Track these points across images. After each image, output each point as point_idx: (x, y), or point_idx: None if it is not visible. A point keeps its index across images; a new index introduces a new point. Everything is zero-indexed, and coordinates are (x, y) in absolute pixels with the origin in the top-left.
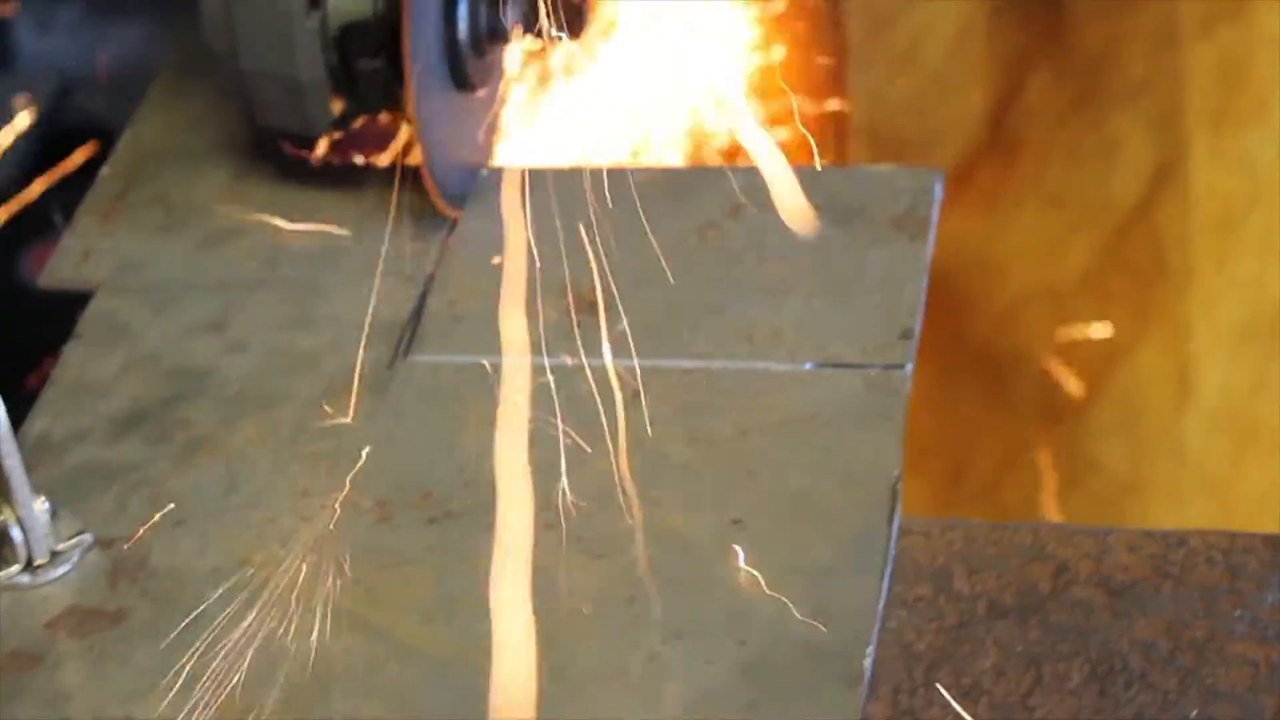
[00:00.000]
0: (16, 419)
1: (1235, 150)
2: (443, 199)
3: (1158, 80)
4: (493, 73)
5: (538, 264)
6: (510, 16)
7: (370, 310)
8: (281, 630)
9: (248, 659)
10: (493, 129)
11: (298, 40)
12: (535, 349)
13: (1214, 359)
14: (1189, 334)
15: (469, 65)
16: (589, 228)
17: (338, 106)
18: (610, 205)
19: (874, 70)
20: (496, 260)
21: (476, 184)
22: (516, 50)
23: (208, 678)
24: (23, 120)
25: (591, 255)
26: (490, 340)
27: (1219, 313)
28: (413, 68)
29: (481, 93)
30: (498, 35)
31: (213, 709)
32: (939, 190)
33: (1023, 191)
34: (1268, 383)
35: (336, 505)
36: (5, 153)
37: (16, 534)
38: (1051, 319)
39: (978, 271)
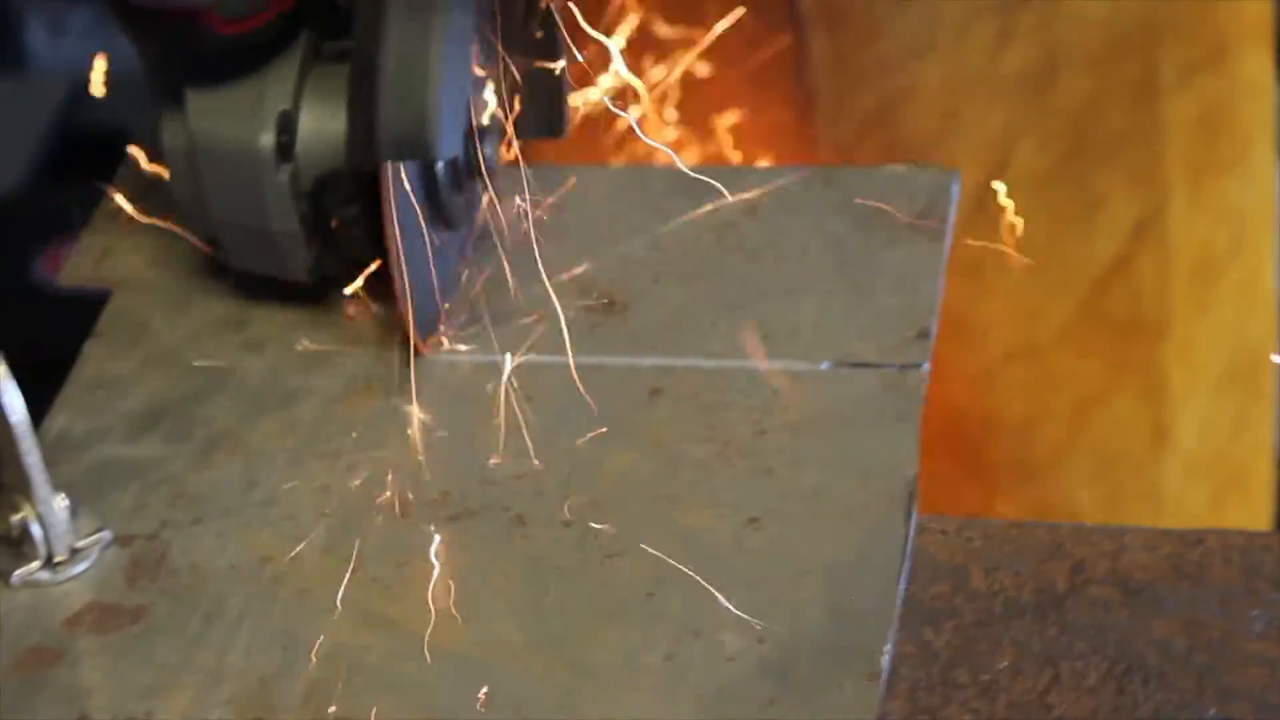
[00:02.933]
0: (36, 416)
1: (1216, 198)
2: (422, 336)
3: (1138, 132)
4: (471, 206)
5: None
6: (488, 147)
7: (389, 307)
8: (300, 627)
9: (267, 655)
10: (467, 259)
11: (269, 193)
12: (554, 347)
13: (1193, 404)
14: (1166, 382)
15: (449, 204)
16: (606, 226)
17: (314, 253)
18: (628, 204)
19: (842, 129)
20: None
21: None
22: (494, 183)
23: (227, 674)
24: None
25: (609, 254)
26: (509, 338)
27: (1199, 359)
28: (393, 214)
29: (460, 228)
30: (476, 170)
31: (233, 705)
32: (956, 190)
33: (1006, 256)
34: (1248, 426)
35: (355, 502)
36: (24, 154)
37: (36, 531)
38: (1027, 373)
39: (955, 332)
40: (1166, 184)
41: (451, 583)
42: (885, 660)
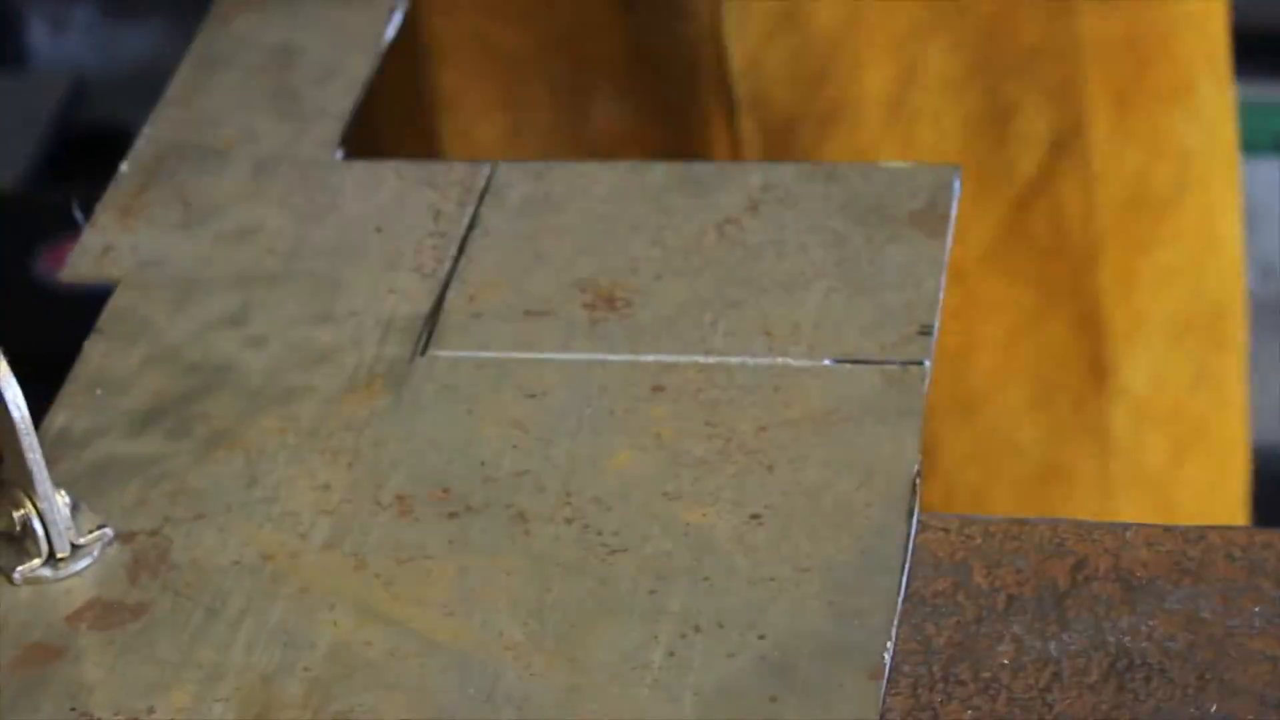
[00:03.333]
0: (37, 414)
1: (1147, 129)
2: None
3: (1053, 47)
4: None
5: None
6: None
7: (390, 305)
8: (302, 623)
9: (268, 652)
10: None
11: None
12: (555, 345)
13: (1139, 347)
14: (1102, 315)
15: None
16: (606, 223)
17: None
18: (628, 200)
19: (749, 31)
20: None
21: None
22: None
23: (229, 670)
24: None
25: (610, 251)
26: (510, 336)
27: (1141, 300)
28: None
29: None
30: None
31: (234, 701)
32: (957, 187)
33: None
34: (1209, 378)
35: (356, 499)
36: (25, 151)
37: (38, 527)
38: (952, 293)
39: None
40: (1086, 104)
41: (453, 580)
42: (887, 656)
